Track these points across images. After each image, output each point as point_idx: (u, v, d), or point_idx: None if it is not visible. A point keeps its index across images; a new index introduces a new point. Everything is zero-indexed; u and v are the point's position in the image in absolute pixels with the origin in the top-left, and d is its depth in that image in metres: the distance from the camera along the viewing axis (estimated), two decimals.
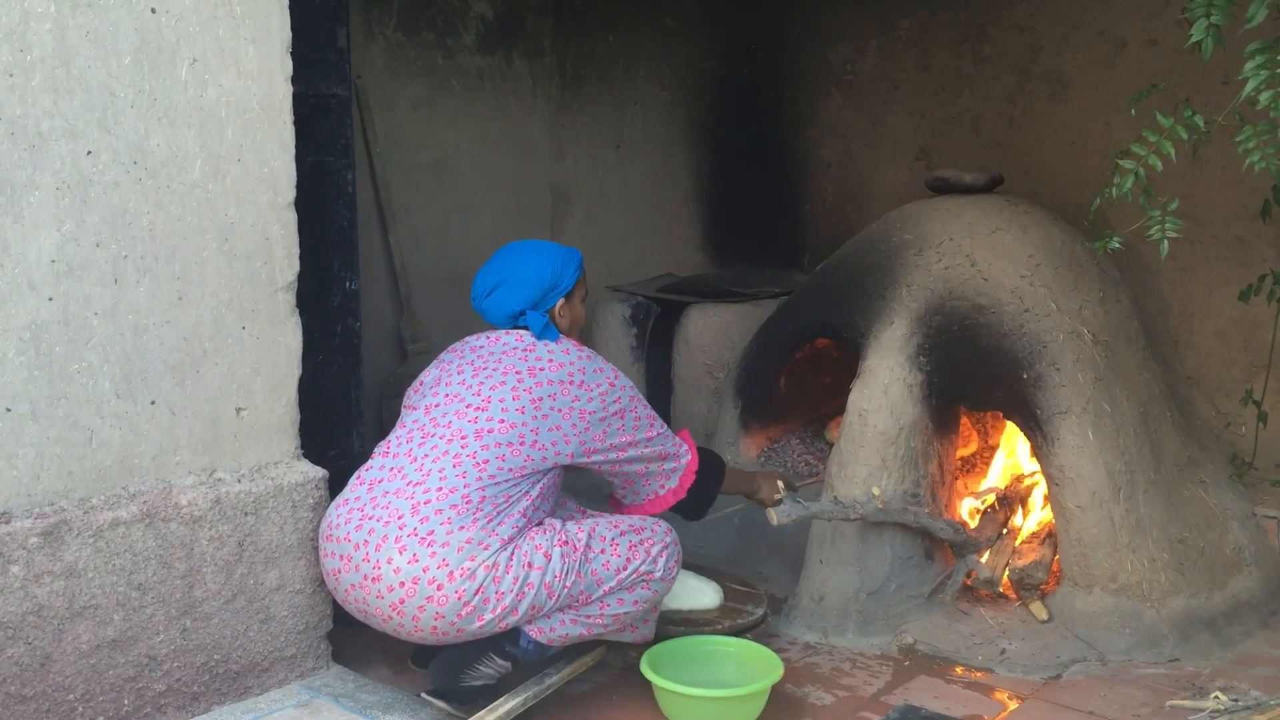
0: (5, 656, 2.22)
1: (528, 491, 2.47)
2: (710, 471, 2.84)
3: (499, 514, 2.41)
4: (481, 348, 2.67)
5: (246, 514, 2.54)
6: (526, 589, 2.40)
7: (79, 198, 2.28)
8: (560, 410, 2.52)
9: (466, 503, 2.39)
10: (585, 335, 4.19)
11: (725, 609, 2.93)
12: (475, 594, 2.35)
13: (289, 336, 2.65)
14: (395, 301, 4.52)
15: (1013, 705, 2.65)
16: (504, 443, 2.46)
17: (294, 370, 2.66)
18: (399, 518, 2.38)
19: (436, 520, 2.36)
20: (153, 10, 2.34)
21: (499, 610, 2.38)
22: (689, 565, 3.15)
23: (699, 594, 2.95)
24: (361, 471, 2.57)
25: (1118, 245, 2.59)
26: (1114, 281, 3.31)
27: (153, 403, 2.43)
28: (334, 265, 3.16)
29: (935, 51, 3.97)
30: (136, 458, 2.43)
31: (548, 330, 2.65)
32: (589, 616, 2.51)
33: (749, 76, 4.49)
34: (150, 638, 2.42)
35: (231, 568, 2.52)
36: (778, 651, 2.70)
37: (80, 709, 2.33)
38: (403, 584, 2.35)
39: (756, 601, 2.98)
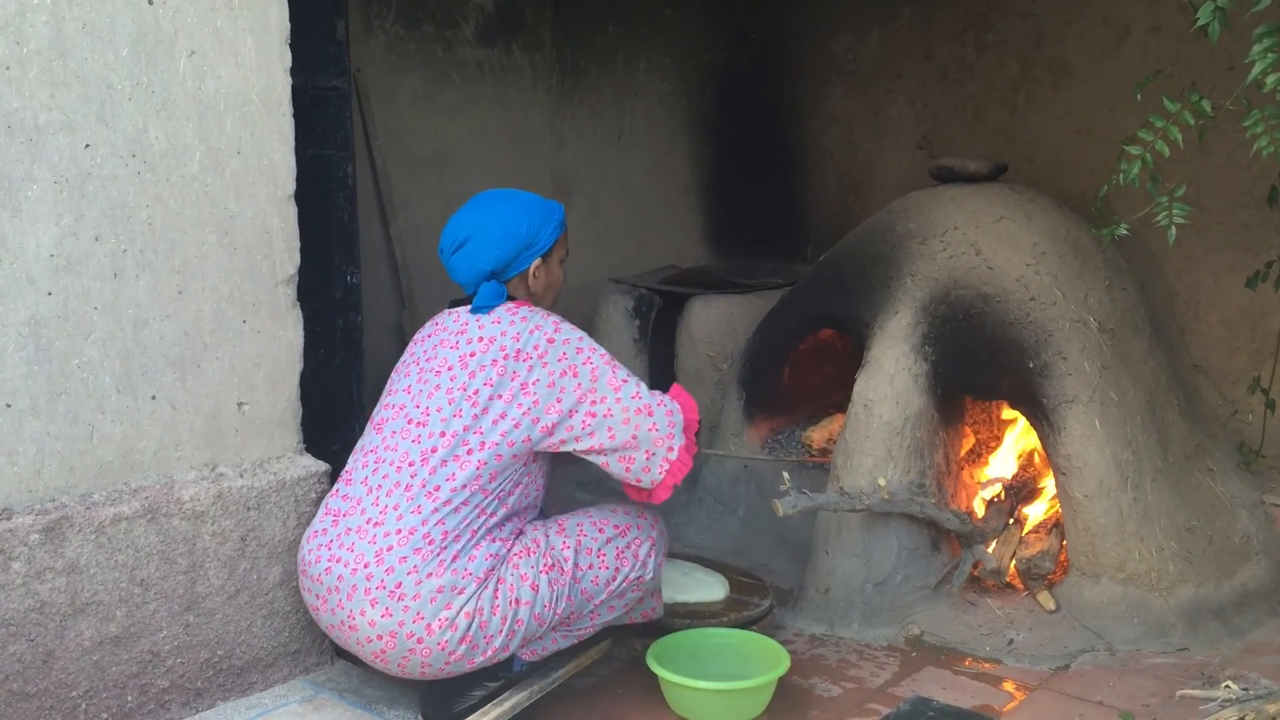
0: (7, 654, 2.21)
1: (488, 507, 2.31)
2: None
3: (466, 546, 2.27)
4: (429, 338, 2.50)
5: (249, 509, 2.52)
6: (517, 626, 2.32)
7: (77, 191, 2.27)
8: (500, 395, 2.33)
9: (429, 543, 2.24)
10: (587, 327, 4.17)
11: (731, 601, 2.91)
12: (460, 642, 2.26)
13: (290, 330, 2.63)
14: (397, 295, 4.50)
15: (1021, 696, 2.63)
16: (449, 458, 2.30)
17: (295, 364, 2.65)
18: (364, 565, 2.25)
19: (402, 570, 2.22)
20: (150, 1, 2.32)
21: (490, 652, 2.31)
22: (695, 558, 3.14)
23: (705, 587, 2.93)
24: (328, 498, 2.45)
25: (1125, 232, 2.57)
26: (1120, 269, 3.29)
27: (154, 397, 2.42)
28: (335, 259, 3.15)
29: (938, 40, 3.95)
30: (138, 453, 2.41)
31: (495, 298, 2.44)
32: (580, 629, 2.49)
33: (750, 67, 4.46)
34: (153, 634, 2.40)
35: (235, 563, 2.51)
36: (784, 644, 2.69)
37: (83, 706, 2.32)
38: (380, 637, 2.25)
39: (762, 594, 2.96)
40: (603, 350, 2.44)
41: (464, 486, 2.29)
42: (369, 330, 3.40)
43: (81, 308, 2.30)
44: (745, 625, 2.80)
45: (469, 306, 2.48)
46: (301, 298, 2.65)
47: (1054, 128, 3.70)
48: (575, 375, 2.37)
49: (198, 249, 2.45)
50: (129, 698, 2.39)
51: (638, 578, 2.53)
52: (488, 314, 2.43)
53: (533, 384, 2.34)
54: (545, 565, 2.38)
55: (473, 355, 2.38)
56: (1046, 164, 3.70)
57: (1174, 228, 2.42)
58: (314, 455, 2.69)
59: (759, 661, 2.59)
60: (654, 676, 2.52)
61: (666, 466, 2.44)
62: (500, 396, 2.34)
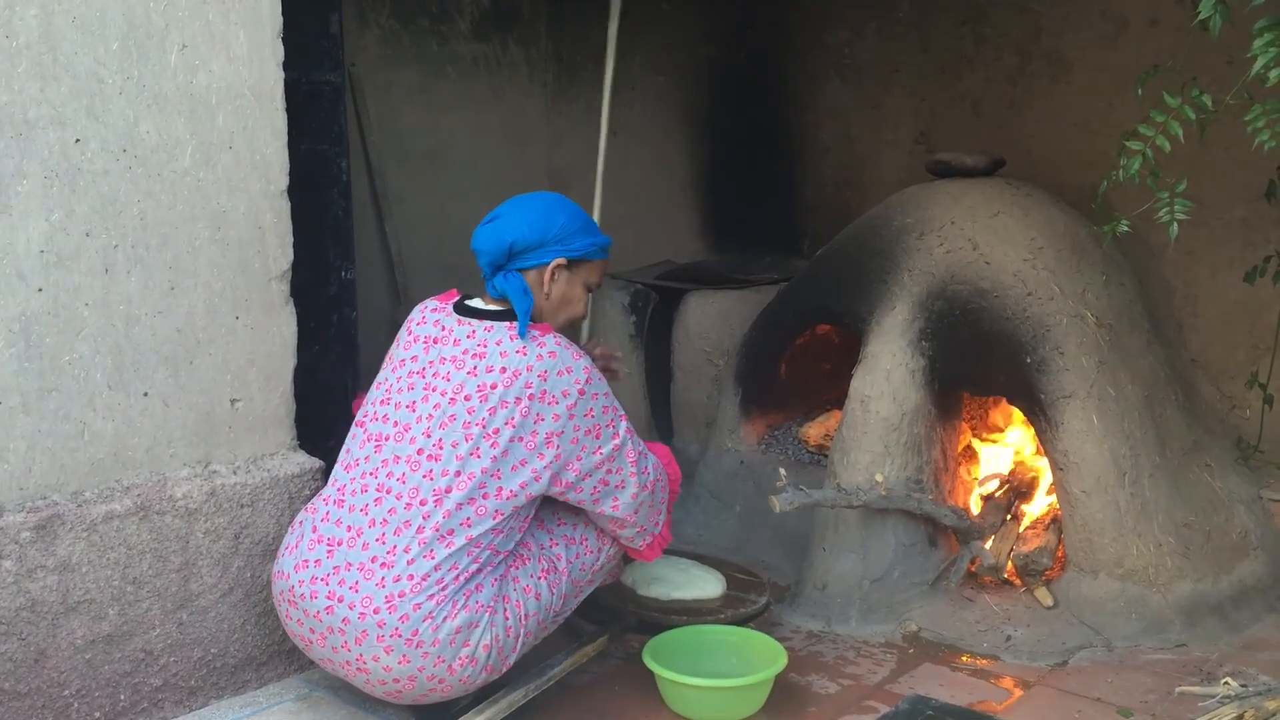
0: None
1: (496, 543, 2.26)
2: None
3: (474, 578, 2.22)
4: (434, 343, 2.36)
5: (243, 506, 2.51)
6: (526, 638, 2.33)
7: (67, 186, 2.25)
8: (521, 439, 2.24)
9: (442, 588, 2.18)
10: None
11: (728, 598, 2.90)
12: (482, 672, 2.25)
13: (284, 326, 2.61)
14: (392, 291, 4.48)
15: (1019, 692, 2.62)
16: (465, 502, 2.21)
17: (289, 360, 2.64)
18: (375, 611, 2.16)
19: (418, 617, 2.15)
20: None
21: (505, 668, 2.32)
22: (692, 555, 3.13)
23: (701, 583, 2.92)
24: (317, 520, 2.31)
25: (1126, 229, 2.56)
26: (1117, 264, 3.28)
27: (146, 394, 2.40)
28: (329, 254, 3.14)
29: (935, 33, 3.93)
30: (130, 450, 2.40)
31: (522, 297, 2.31)
32: (565, 613, 2.49)
33: (746, 61, 4.45)
34: (146, 632, 2.39)
35: (228, 560, 2.50)
36: (781, 640, 2.67)
37: (76, 705, 2.30)
38: (397, 680, 2.21)
39: (759, 590, 2.95)
40: (624, 412, 2.39)
41: (478, 530, 2.23)
42: (364, 326, 3.38)
43: (72, 304, 2.28)
44: (742, 622, 2.79)
45: (482, 317, 2.34)
46: (295, 293, 2.63)
47: (1051, 122, 3.69)
48: (598, 438, 2.31)
49: (190, 244, 2.43)
50: (122, 696, 2.37)
51: (616, 551, 2.55)
52: (510, 339, 2.29)
53: (557, 436, 2.26)
54: (542, 570, 2.37)
55: (494, 388, 2.25)
56: (1044, 158, 3.68)
57: (1175, 223, 2.41)
58: (308, 452, 2.67)
59: (756, 658, 2.58)
60: (650, 674, 2.50)
61: (649, 540, 2.54)
62: (522, 440, 2.24)
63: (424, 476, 2.24)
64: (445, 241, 4.57)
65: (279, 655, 2.61)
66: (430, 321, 2.41)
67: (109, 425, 2.36)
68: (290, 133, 2.57)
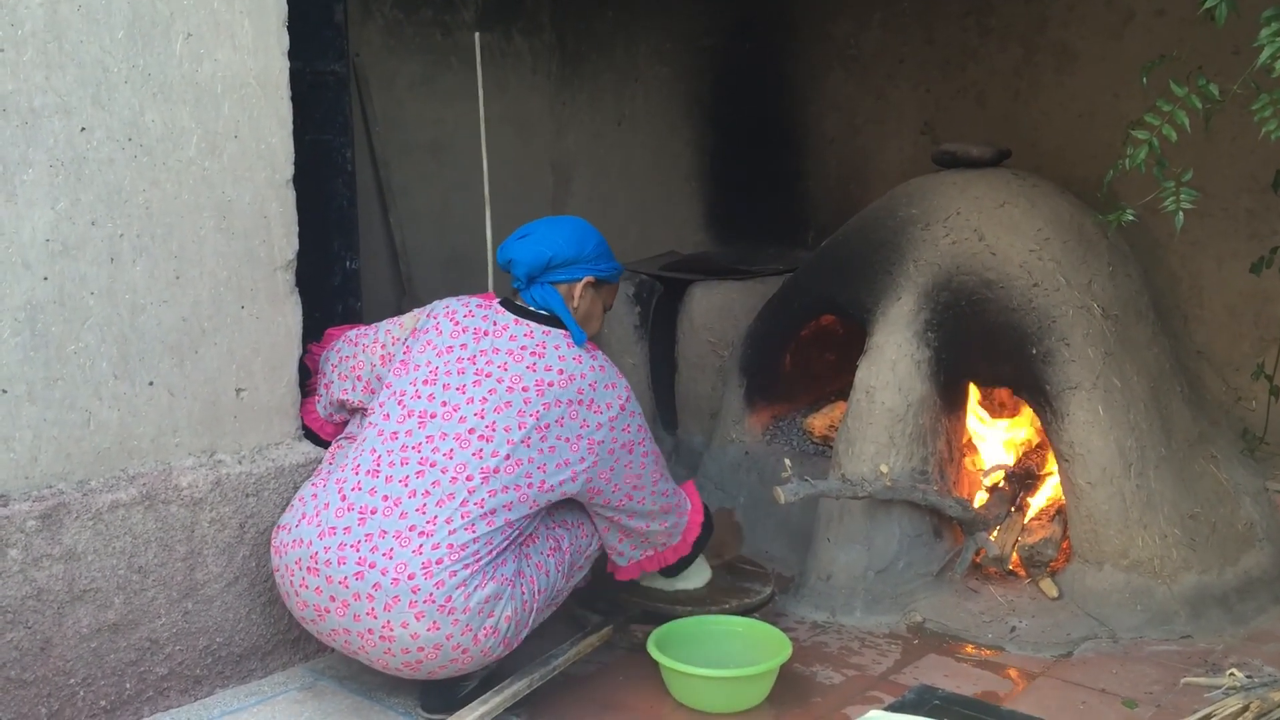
0: (5, 641, 2.19)
1: (528, 527, 2.37)
2: (708, 528, 2.76)
3: (503, 552, 2.30)
4: (484, 335, 2.47)
5: (248, 495, 2.51)
6: (537, 613, 2.38)
7: (73, 175, 2.25)
8: (567, 439, 2.38)
9: (477, 560, 2.24)
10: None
11: (733, 589, 2.90)
12: (500, 644, 2.30)
13: (289, 316, 2.62)
14: (396, 282, 4.48)
15: (1023, 684, 2.62)
16: (509, 485, 2.30)
17: (294, 350, 2.64)
18: (409, 577, 2.20)
19: (453, 584, 2.21)
20: None
21: (517, 643, 2.36)
22: None
23: (706, 573, 2.91)
24: (346, 490, 2.32)
25: (1132, 218, 2.55)
26: (1123, 255, 3.27)
27: (151, 383, 2.40)
28: (334, 244, 3.14)
29: (939, 24, 3.92)
30: (135, 439, 2.40)
31: (565, 308, 2.49)
32: (565, 591, 2.52)
33: (750, 52, 4.44)
34: (151, 621, 2.39)
35: (233, 550, 2.50)
36: (786, 631, 2.67)
37: (81, 693, 2.31)
38: (421, 649, 2.24)
39: (764, 580, 2.95)
40: (650, 434, 2.55)
41: (514, 515, 2.32)
42: (368, 317, 3.37)
43: (78, 293, 2.28)
44: (747, 612, 2.79)
45: (538, 320, 2.48)
46: (300, 284, 2.63)
47: (1057, 113, 3.68)
48: (630, 452, 2.47)
49: (195, 234, 2.43)
50: (127, 685, 2.38)
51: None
52: (568, 346, 2.45)
53: (596, 443, 2.41)
54: (550, 549, 2.43)
55: (550, 385, 2.39)
56: (1049, 149, 3.68)
57: (1181, 213, 2.40)
58: (313, 442, 2.67)
59: (761, 649, 2.58)
60: (655, 664, 2.51)
61: (650, 554, 2.67)
62: (568, 440, 2.38)
63: (473, 455, 2.31)
64: (449, 232, 4.58)
65: (284, 644, 2.62)
66: (478, 316, 2.52)
67: (114, 414, 2.36)
68: (295, 123, 2.57)
